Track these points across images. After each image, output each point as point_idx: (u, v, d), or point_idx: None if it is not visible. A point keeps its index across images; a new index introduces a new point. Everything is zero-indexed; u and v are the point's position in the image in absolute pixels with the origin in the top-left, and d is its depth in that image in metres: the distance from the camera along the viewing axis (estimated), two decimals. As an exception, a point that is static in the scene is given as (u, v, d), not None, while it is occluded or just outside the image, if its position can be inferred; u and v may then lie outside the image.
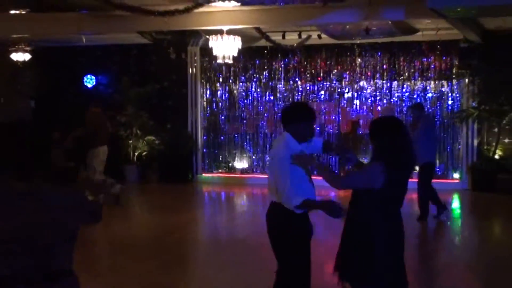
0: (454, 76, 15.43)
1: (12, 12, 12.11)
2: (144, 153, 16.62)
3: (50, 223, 3.11)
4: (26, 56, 15.84)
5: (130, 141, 16.47)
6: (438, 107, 15.61)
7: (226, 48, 12.72)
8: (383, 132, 4.90)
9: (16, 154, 3.16)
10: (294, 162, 5.00)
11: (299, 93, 16.47)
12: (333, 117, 16.25)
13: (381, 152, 4.83)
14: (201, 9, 11.10)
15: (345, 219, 4.99)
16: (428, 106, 15.54)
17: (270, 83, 16.68)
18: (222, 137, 17.05)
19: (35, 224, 3.06)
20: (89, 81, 17.40)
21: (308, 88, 16.43)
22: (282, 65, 16.54)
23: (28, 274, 3.04)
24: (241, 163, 16.87)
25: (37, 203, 3.09)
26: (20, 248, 3.03)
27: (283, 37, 14.13)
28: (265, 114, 16.76)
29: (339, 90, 16.20)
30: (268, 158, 5.24)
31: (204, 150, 17.07)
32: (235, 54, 13.02)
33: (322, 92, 16.32)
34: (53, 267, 3.12)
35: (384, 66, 15.85)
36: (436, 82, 15.62)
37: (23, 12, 12.13)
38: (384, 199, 4.78)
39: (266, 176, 16.45)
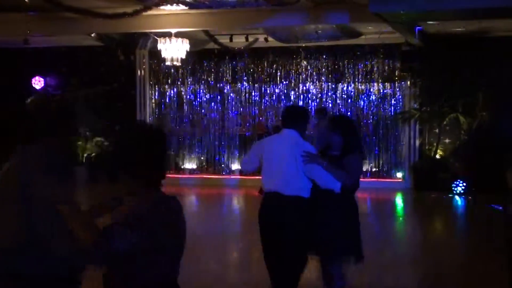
0: (396, 78, 15.87)
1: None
2: (93, 154, 16.62)
3: (183, 232, 3.10)
4: (-28, 58, 15.71)
5: (79, 143, 16.45)
6: (381, 109, 16.02)
7: (174, 50, 12.88)
8: (352, 128, 5.89)
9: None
10: (307, 159, 5.42)
11: (246, 95, 16.73)
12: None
13: (354, 145, 5.71)
14: (149, 12, 11.14)
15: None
16: (372, 107, 15.98)
17: (218, 85, 16.90)
18: (170, 138, 17.14)
19: (180, 233, 3.06)
20: (38, 83, 17.31)
21: (255, 90, 16.70)
22: (230, 68, 16.77)
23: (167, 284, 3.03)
24: (189, 164, 17.02)
25: (173, 212, 3.04)
26: (168, 258, 3.01)
27: (231, 40, 14.34)
28: (213, 115, 16.96)
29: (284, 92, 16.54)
30: (273, 155, 5.41)
31: (153, 151, 17.11)
32: (184, 57, 13.20)
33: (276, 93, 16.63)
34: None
35: (329, 68, 16.21)
36: (380, 84, 16.04)
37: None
38: (356, 185, 5.72)
39: (215, 176, 16.22)
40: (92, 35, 13.61)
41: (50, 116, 3.09)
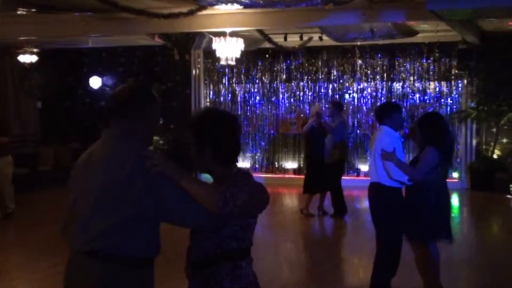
0: (453, 77, 15.66)
1: (19, 12, 12.03)
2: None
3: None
4: (33, 58, 15.96)
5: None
6: (437, 108, 15.82)
7: (229, 50, 12.94)
8: (426, 124, 6.43)
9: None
10: (383, 158, 6.29)
11: (301, 94, 16.73)
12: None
13: (430, 139, 6.22)
14: (204, 12, 11.21)
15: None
16: (428, 106, 15.80)
17: (272, 84, 16.95)
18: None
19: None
20: (95, 82, 17.63)
21: (309, 89, 16.70)
22: (284, 67, 16.80)
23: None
24: (243, 163, 17.10)
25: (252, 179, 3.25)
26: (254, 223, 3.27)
27: (285, 39, 14.33)
28: (267, 115, 17.02)
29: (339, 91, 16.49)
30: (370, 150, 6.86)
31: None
32: (238, 56, 13.24)
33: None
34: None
35: (384, 67, 16.10)
36: (435, 83, 15.86)
37: (30, 12, 12.05)
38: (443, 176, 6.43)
39: (269, 175, 16.35)
40: (155, 37, 13.71)
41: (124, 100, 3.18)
